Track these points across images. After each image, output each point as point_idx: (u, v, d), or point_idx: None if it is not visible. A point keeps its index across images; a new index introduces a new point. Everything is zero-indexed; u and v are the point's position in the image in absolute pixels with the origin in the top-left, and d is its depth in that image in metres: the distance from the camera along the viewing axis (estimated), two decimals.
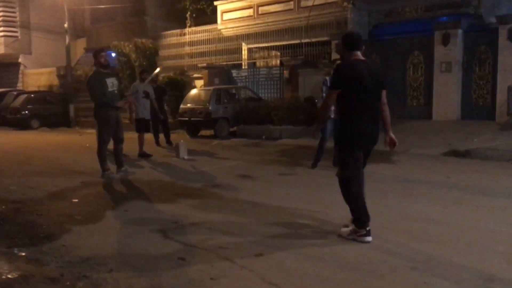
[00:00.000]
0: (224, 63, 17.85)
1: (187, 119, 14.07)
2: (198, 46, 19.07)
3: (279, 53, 17.09)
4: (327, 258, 3.74)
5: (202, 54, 18.92)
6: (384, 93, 4.17)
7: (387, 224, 4.60)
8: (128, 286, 3.24)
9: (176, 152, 9.72)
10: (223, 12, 17.91)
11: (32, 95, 20.28)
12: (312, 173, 7.71)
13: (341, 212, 5.04)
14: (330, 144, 7.94)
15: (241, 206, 5.50)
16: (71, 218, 5.04)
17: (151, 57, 19.08)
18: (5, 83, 25.66)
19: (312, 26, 15.24)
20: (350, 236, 4.15)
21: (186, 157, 9.55)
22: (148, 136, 11.00)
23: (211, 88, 14.64)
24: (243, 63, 18.02)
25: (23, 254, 3.93)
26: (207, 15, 18.89)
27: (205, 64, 17.79)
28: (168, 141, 11.95)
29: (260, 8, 16.74)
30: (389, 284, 3.23)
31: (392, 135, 4.23)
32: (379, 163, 8.37)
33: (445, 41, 12.06)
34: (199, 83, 17.89)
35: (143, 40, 19.01)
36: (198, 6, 19.09)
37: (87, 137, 14.24)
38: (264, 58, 18.15)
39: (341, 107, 4.16)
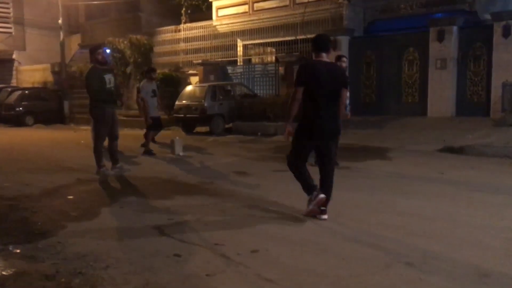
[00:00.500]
0: (219, 59, 17.82)
1: (182, 115, 14.05)
2: (193, 43, 19.02)
3: (274, 50, 17.09)
4: (322, 254, 3.75)
5: (197, 50, 18.89)
6: (344, 91, 4.69)
7: (382, 221, 4.62)
8: (124, 283, 3.24)
9: (172, 148, 9.70)
10: (218, 8, 17.87)
11: (26, 92, 20.17)
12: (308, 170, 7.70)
13: (336, 208, 5.07)
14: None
15: (237, 202, 5.50)
16: (67, 215, 5.03)
17: (146, 54, 19.02)
18: None
19: (307, 23, 15.22)
20: (310, 206, 4.66)
21: (181, 153, 9.55)
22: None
23: (206, 84, 14.63)
24: (238, 60, 18.00)
25: (18, 251, 3.92)
26: (202, 11, 18.83)
27: (200, 61, 17.77)
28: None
29: (255, 5, 16.71)
30: (384, 280, 3.25)
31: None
32: (375, 159, 8.42)
33: (440, 37, 12.10)
34: (194, 79, 17.86)
35: (138, 37, 18.94)
36: (193, 2, 19.03)
37: (82, 134, 14.19)
38: (259, 54, 18.14)
39: (302, 102, 4.57)
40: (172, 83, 17.52)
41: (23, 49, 26.04)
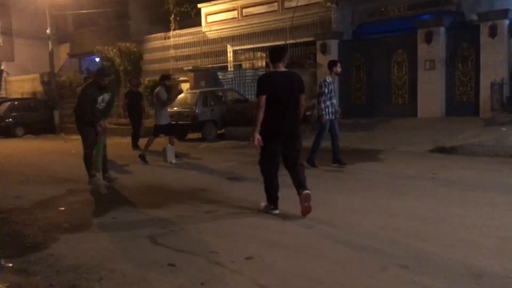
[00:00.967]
0: (210, 65, 17.84)
1: (174, 122, 13.97)
2: (183, 49, 19.03)
3: (264, 55, 17.11)
4: (317, 258, 3.74)
5: (187, 57, 18.89)
6: (302, 97, 5.10)
7: (376, 223, 4.62)
8: None
9: (164, 156, 9.65)
10: (207, 14, 17.89)
11: (15, 103, 20.02)
12: None
13: (329, 211, 5.07)
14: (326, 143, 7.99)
15: (230, 208, 5.48)
16: (59, 226, 4.98)
17: (135, 61, 18.99)
18: None
19: (296, 27, 15.30)
20: (263, 210, 5.14)
21: (173, 161, 9.52)
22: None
23: (197, 91, 14.61)
24: (228, 65, 18.02)
25: (10, 265, 3.87)
26: (191, 17, 18.84)
27: (190, 67, 17.78)
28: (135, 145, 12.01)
29: (244, 10, 16.75)
30: (379, 283, 3.25)
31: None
32: (366, 161, 8.45)
33: (428, 39, 12.20)
34: (185, 86, 17.82)
35: (127, 44, 18.90)
36: (182, 9, 19.04)
37: (73, 143, 14.09)
38: (249, 59, 18.17)
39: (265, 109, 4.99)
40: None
41: (12, 60, 25.88)
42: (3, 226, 5.10)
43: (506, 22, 11.19)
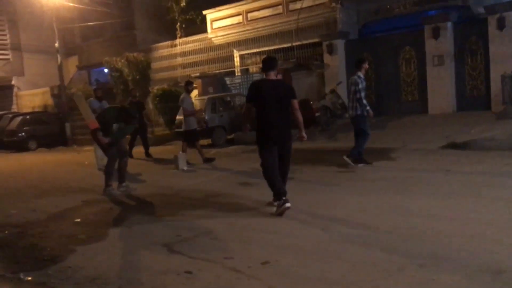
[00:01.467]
0: (217, 71, 17.89)
1: (183, 129, 14.04)
2: (190, 56, 19.11)
3: None
4: (334, 261, 3.73)
5: (194, 64, 18.96)
6: (294, 102, 5.40)
7: (391, 223, 4.59)
8: None
9: (175, 163, 9.70)
10: (213, 20, 17.95)
11: (27, 117, 20.26)
12: (312, 176, 7.70)
13: (344, 212, 5.05)
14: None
15: (243, 213, 5.49)
16: (75, 238, 5.02)
17: (143, 70, 19.10)
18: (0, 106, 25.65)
19: (302, 29, 15.28)
20: (277, 211, 5.18)
21: (185, 168, 9.56)
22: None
23: (205, 97, 14.66)
24: (236, 70, 18.05)
25: (29, 278, 3.91)
26: (197, 24, 18.92)
27: (198, 74, 17.84)
28: (148, 153, 12.36)
29: (249, 14, 16.79)
30: (398, 284, 3.22)
31: (302, 134, 5.50)
32: (379, 160, 8.40)
33: (436, 34, 12.10)
34: (193, 93, 17.88)
35: (135, 54, 19.03)
36: (187, 17, 19.12)
37: (85, 155, 14.23)
38: (256, 63, 18.17)
39: (256, 114, 5.41)
40: (172, 98, 17.55)
41: (22, 75, 26.17)
42: (20, 240, 5.16)
43: None
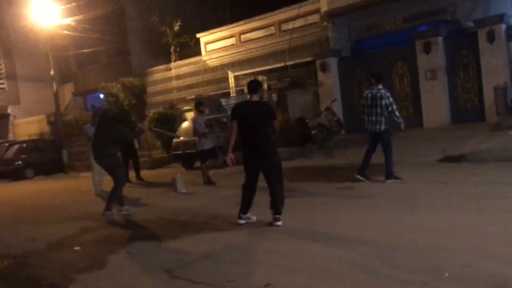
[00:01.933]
0: (212, 92, 18.00)
1: (181, 152, 14.08)
2: (185, 79, 19.26)
3: (265, 77, 17.26)
4: (336, 281, 3.70)
5: (189, 86, 19.09)
6: (273, 123, 5.81)
7: (391, 238, 4.58)
8: None
9: (174, 187, 9.66)
10: (206, 43, 18.17)
11: (24, 145, 20.22)
12: (311, 193, 7.69)
13: (343, 229, 5.03)
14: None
15: (243, 235, 5.46)
16: (75, 266, 4.97)
17: (139, 95, 19.16)
18: None
19: (295, 48, 15.47)
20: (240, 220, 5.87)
21: (184, 191, 9.51)
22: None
23: None
24: (231, 91, 18.16)
25: None
26: (191, 47, 19.13)
27: (193, 96, 17.92)
28: (139, 177, 12.42)
29: (242, 36, 17.00)
30: None
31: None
32: (377, 175, 8.40)
33: (427, 49, 12.27)
34: (189, 115, 17.95)
35: (130, 79, 19.14)
36: (181, 40, 19.33)
37: (83, 181, 14.17)
38: None
39: (239, 133, 5.82)
40: (168, 121, 17.62)
41: (18, 103, 26.28)
42: (20, 270, 5.10)
43: (503, 26, 11.26)
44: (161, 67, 20.06)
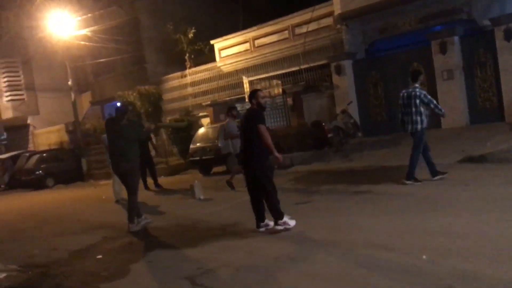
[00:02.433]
0: (228, 98, 18.06)
1: (198, 158, 14.17)
2: (200, 86, 19.36)
3: (280, 82, 17.29)
4: (359, 287, 3.68)
5: (204, 92, 19.19)
6: (258, 127, 5.75)
7: (413, 243, 4.54)
8: None
9: (192, 193, 9.73)
10: (220, 49, 18.25)
11: (44, 155, 20.56)
12: (329, 198, 7.67)
13: (364, 235, 5.00)
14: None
15: (263, 242, 5.47)
16: (98, 276, 5.05)
17: (155, 102, 19.39)
18: (16, 145, 26.12)
19: (309, 52, 15.44)
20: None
21: (202, 197, 9.57)
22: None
23: (218, 125, 14.77)
24: (245, 96, 18.19)
25: None
26: (205, 54, 19.23)
27: (209, 102, 18.03)
28: (157, 184, 12.47)
29: (256, 41, 17.03)
30: None
31: (275, 154, 5.82)
32: (395, 179, 8.33)
33: (443, 49, 12.13)
34: (206, 121, 18.07)
35: (146, 87, 19.35)
36: (195, 47, 19.46)
37: (102, 189, 14.35)
38: (266, 88, 18.36)
39: None
40: (184, 128, 17.75)
41: (37, 113, 26.76)
42: (44, 280, 5.19)
43: None
44: (176, 74, 20.22)
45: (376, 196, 7.22)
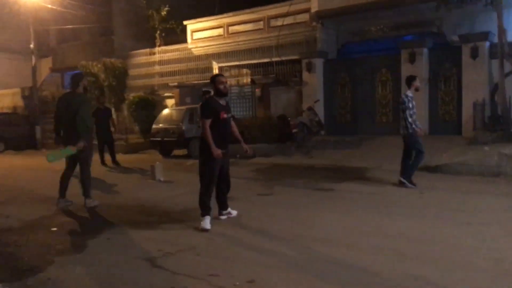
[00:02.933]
0: (195, 81, 17.87)
1: (159, 139, 13.97)
2: (168, 65, 19.05)
3: (250, 71, 17.27)
4: (319, 281, 3.77)
5: (172, 73, 18.90)
6: (201, 121, 5.74)
7: (372, 244, 4.67)
8: None
9: (152, 174, 9.60)
10: (193, 31, 17.99)
11: None
12: (291, 192, 7.77)
13: (325, 230, 5.11)
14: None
15: (224, 229, 5.48)
16: (53, 248, 4.90)
17: (120, 77, 18.86)
18: None
19: (282, 45, 15.50)
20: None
21: (162, 179, 9.46)
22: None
23: (184, 107, 14.60)
24: None
25: None
26: (177, 34, 18.90)
27: (176, 83, 17.77)
28: (114, 161, 12.36)
29: (230, 28, 16.91)
30: None
31: (212, 150, 5.64)
32: (355, 180, 8.55)
33: (412, 59, 12.50)
34: (170, 102, 17.82)
35: (112, 60, 18.80)
36: (168, 26, 19.09)
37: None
38: (235, 76, 18.28)
39: None
40: (148, 106, 17.44)
41: None
42: None
43: (487, 44, 11.55)
44: (144, 50, 19.77)
45: (337, 194, 7.38)
